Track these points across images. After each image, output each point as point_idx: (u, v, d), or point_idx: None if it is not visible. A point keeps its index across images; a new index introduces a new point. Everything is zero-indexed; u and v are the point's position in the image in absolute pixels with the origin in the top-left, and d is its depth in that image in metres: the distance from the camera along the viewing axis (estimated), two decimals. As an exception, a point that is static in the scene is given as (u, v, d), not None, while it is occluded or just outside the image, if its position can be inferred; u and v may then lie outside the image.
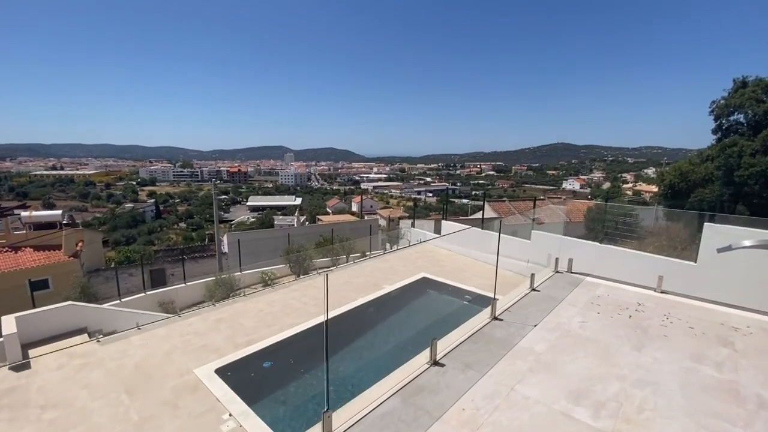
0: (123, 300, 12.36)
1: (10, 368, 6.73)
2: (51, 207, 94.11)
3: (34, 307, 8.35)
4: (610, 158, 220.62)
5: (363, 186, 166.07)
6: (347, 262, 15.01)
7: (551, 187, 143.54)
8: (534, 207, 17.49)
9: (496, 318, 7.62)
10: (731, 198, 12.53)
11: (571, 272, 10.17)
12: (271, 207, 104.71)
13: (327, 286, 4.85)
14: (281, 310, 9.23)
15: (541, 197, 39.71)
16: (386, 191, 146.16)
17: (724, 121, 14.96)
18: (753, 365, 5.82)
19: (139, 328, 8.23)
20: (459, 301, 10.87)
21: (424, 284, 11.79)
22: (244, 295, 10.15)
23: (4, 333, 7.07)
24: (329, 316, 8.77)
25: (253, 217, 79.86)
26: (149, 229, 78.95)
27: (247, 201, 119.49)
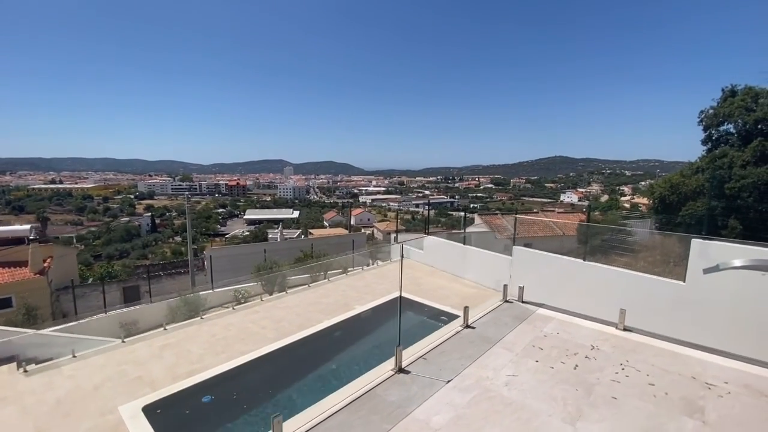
0: (81, 321, 11.60)
1: None
2: (45, 221, 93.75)
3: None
4: (608, 171, 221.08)
5: (361, 199, 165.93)
6: (324, 279, 14.30)
7: (549, 200, 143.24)
8: (515, 221, 16.74)
9: (401, 370, 5.93)
10: (723, 212, 11.94)
11: (523, 301, 8.90)
12: (268, 220, 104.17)
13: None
14: (236, 335, 8.49)
15: (535, 210, 39.14)
16: (384, 204, 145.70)
17: (713, 132, 14.46)
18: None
19: (74, 356, 7.49)
20: (435, 323, 10.15)
21: (403, 305, 11.03)
22: (201, 318, 9.41)
23: None
24: (286, 343, 8.06)
25: (248, 231, 79.09)
26: (144, 243, 78.23)
27: (244, 214, 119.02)
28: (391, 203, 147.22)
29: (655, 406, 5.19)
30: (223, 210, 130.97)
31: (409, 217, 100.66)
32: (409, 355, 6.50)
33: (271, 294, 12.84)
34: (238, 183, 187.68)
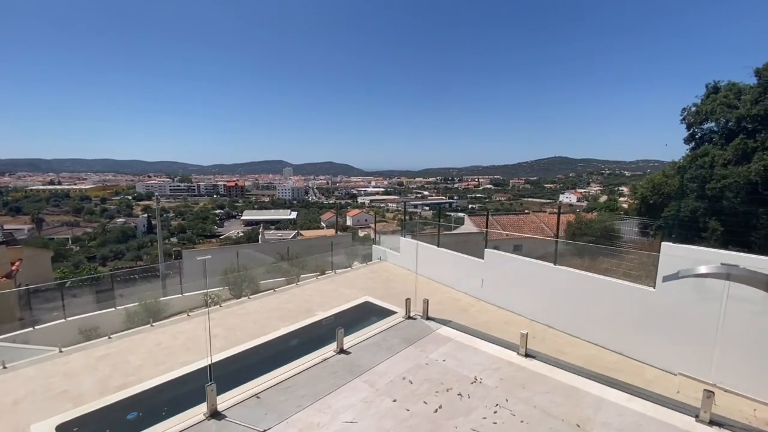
0: (38, 327, 11.19)
1: None
2: (40, 222, 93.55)
3: None
4: (608, 171, 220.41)
5: (360, 200, 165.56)
6: (297, 282, 13.87)
7: (548, 201, 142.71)
8: (486, 220, 16.40)
9: (215, 414, 4.84)
10: (706, 212, 11.46)
11: (428, 318, 7.69)
12: (266, 221, 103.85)
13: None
14: (182, 344, 8.06)
15: (526, 211, 38.67)
16: (383, 205, 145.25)
17: (696, 130, 13.97)
18: None
19: (5, 367, 7.08)
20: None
21: (366, 310, 10.60)
22: (151, 325, 8.98)
23: None
24: (232, 353, 7.58)
25: (242, 232, 78.77)
26: (139, 245, 77.96)
27: (242, 215, 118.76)
28: (389, 204, 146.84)
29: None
30: (221, 211, 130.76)
31: (407, 218, 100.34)
32: (247, 389, 5.38)
33: (238, 298, 12.42)
34: (236, 184, 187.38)
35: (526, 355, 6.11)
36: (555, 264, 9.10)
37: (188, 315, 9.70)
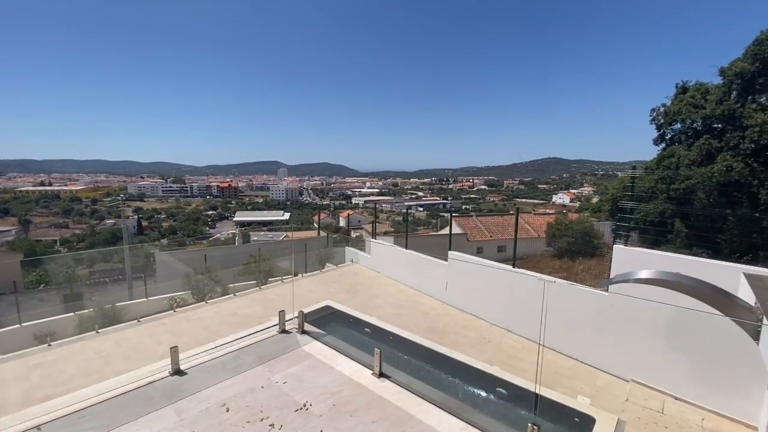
0: (-11, 333, 10.80)
1: None
2: (27, 224, 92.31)
3: None
4: (601, 172, 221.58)
5: (354, 200, 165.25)
6: (260, 286, 13.57)
7: (541, 201, 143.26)
8: (450, 221, 16.23)
9: None
10: (674, 214, 11.31)
11: (303, 331, 6.88)
12: (258, 222, 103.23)
13: None
14: (124, 352, 7.76)
15: (511, 212, 38.66)
16: (377, 205, 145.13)
17: (667, 131, 13.84)
18: None
19: (-70, 378, 6.74)
20: (361, 336, 9.45)
21: (328, 315, 10.33)
22: (96, 332, 8.66)
23: None
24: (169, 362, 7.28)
25: (232, 233, 78.17)
26: (130, 247, 77.06)
27: (234, 216, 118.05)
28: (383, 204, 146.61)
29: None
30: (214, 212, 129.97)
31: (399, 218, 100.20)
32: (28, 419, 4.37)
33: (200, 301, 12.11)
34: (230, 185, 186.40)
35: (380, 375, 5.52)
36: (514, 267, 8.89)
37: (138, 321, 9.37)
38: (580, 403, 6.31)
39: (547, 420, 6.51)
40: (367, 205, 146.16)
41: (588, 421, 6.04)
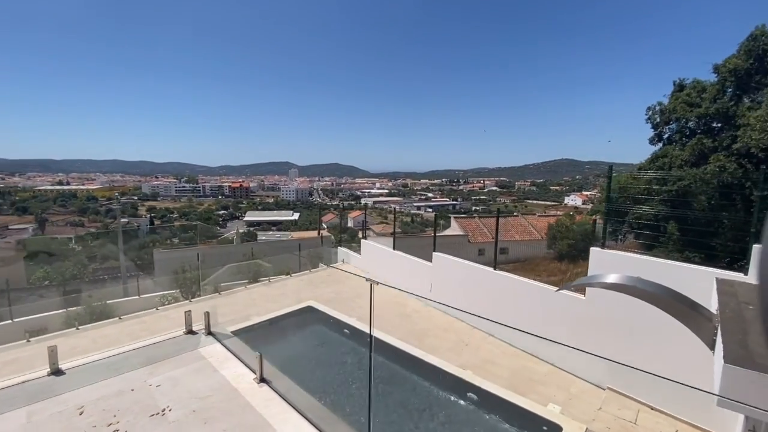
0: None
1: None
2: (43, 222, 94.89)
3: None
4: (615, 174, 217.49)
5: (364, 201, 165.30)
6: (246, 286, 13.61)
7: (553, 203, 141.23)
8: (435, 220, 16.00)
9: None
10: (667, 216, 10.91)
11: (209, 332, 6.69)
12: (268, 222, 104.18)
13: None
14: (97, 348, 7.80)
15: (515, 213, 38.15)
16: (386, 206, 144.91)
17: (664, 130, 13.36)
18: None
19: None
20: (341, 338, 9.37)
21: (308, 316, 10.28)
22: (77, 328, 8.76)
23: None
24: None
25: (241, 232, 79.08)
26: (140, 245, 78.63)
27: (244, 216, 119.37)
28: (392, 205, 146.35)
29: None
30: (225, 212, 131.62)
31: (408, 219, 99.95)
32: None
33: (188, 299, 12.19)
34: (241, 185, 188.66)
35: (261, 380, 5.29)
36: (495, 269, 8.69)
37: (120, 319, 9.45)
38: (550, 411, 6.13)
39: (515, 427, 6.33)
40: (377, 206, 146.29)
41: (555, 430, 5.85)
